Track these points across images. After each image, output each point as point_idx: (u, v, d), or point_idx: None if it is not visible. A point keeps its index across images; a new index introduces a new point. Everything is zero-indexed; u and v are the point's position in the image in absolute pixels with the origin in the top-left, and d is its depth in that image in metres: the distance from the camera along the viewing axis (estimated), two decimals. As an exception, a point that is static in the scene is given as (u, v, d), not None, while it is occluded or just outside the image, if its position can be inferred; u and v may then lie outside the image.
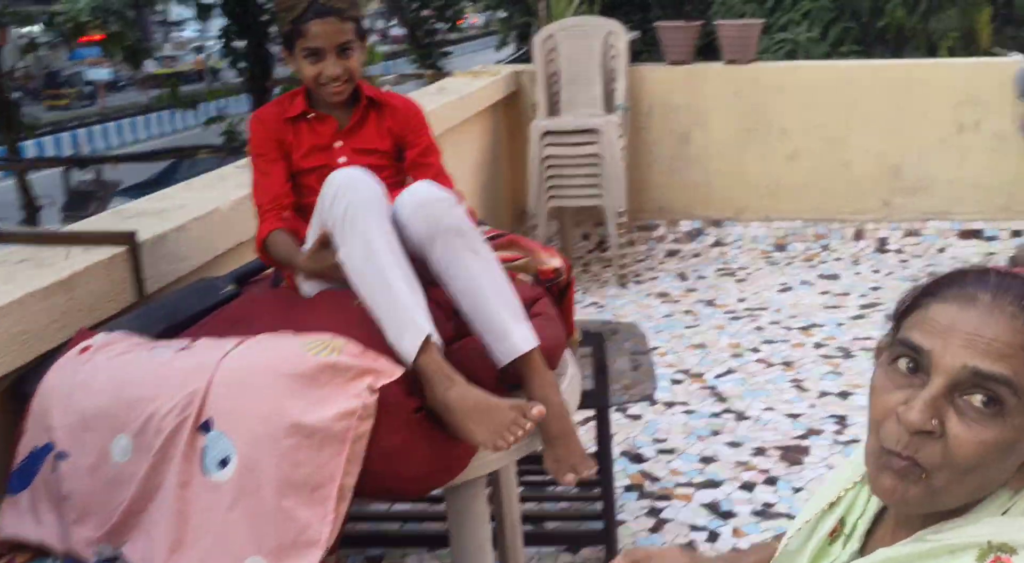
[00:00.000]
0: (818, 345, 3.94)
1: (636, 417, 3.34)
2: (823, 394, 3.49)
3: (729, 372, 3.72)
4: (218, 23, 12.03)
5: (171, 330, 1.91)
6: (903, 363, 0.94)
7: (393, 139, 2.12)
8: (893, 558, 0.96)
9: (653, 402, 3.43)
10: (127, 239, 2.07)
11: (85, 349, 1.65)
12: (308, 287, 1.97)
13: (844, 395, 3.47)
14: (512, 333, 1.77)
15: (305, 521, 1.45)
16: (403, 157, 2.14)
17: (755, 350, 3.91)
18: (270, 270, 2.18)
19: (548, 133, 4.68)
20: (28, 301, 1.79)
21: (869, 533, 1.06)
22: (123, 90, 30.53)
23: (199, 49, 31.28)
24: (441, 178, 2.10)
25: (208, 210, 2.36)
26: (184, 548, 1.44)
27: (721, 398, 3.50)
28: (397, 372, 1.58)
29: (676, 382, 3.63)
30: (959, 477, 0.91)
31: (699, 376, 3.69)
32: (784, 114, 5.14)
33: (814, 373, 3.67)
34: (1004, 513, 0.95)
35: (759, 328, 4.14)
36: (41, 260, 1.99)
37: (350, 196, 1.76)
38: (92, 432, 1.52)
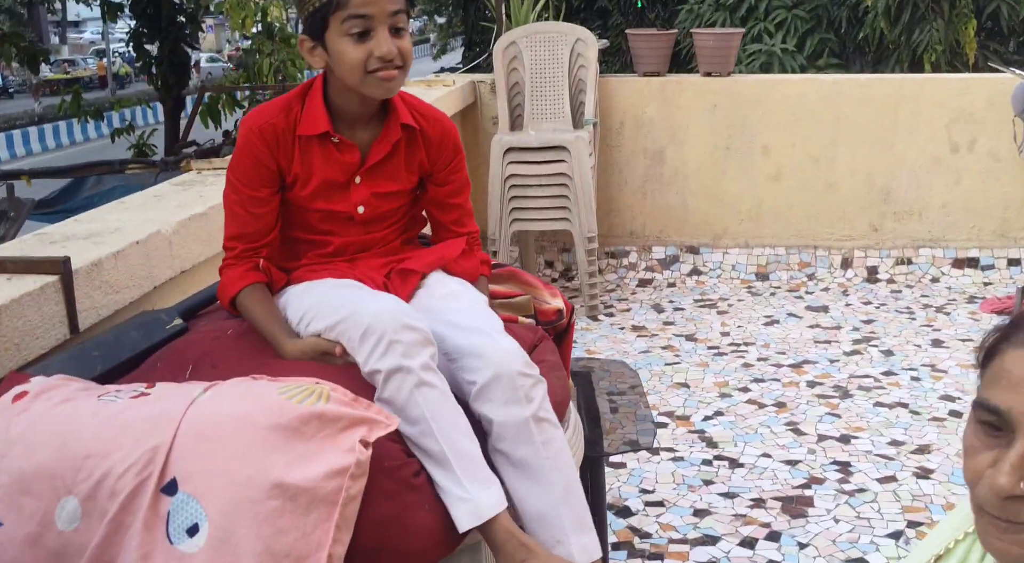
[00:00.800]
0: (812, 384, 3.94)
1: (619, 465, 3.29)
2: (822, 438, 3.48)
3: (718, 414, 3.69)
4: (125, 25, 11.83)
5: (112, 373, 1.81)
6: (986, 424, 0.95)
7: (421, 173, 1.94)
8: None
9: (637, 447, 3.39)
10: (58, 267, 1.96)
11: (19, 396, 1.54)
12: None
13: (845, 439, 3.47)
14: (569, 545, 1.71)
15: (289, 598, 1.36)
16: (424, 186, 1.98)
17: (744, 389, 3.90)
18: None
19: (511, 149, 4.65)
20: (-53, 341, 1.68)
21: None
22: (13, 97, 29.94)
23: (101, 53, 30.84)
24: (468, 219, 2.03)
25: (148, 233, 2.26)
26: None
27: (711, 443, 3.46)
28: (394, 423, 1.50)
29: (660, 425, 3.59)
30: None
31: (685, 419, 3.66)
32: (765, 131, 5.18)
33: (810, 415, 3.66)
34: None
35: (746, 365, 4.14)
36: (-42, 292, 1.88)
37: (402, 361, 1.62)
38: (32, 496, 1.41)
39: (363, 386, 1.63)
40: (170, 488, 1.40)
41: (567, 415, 1.91)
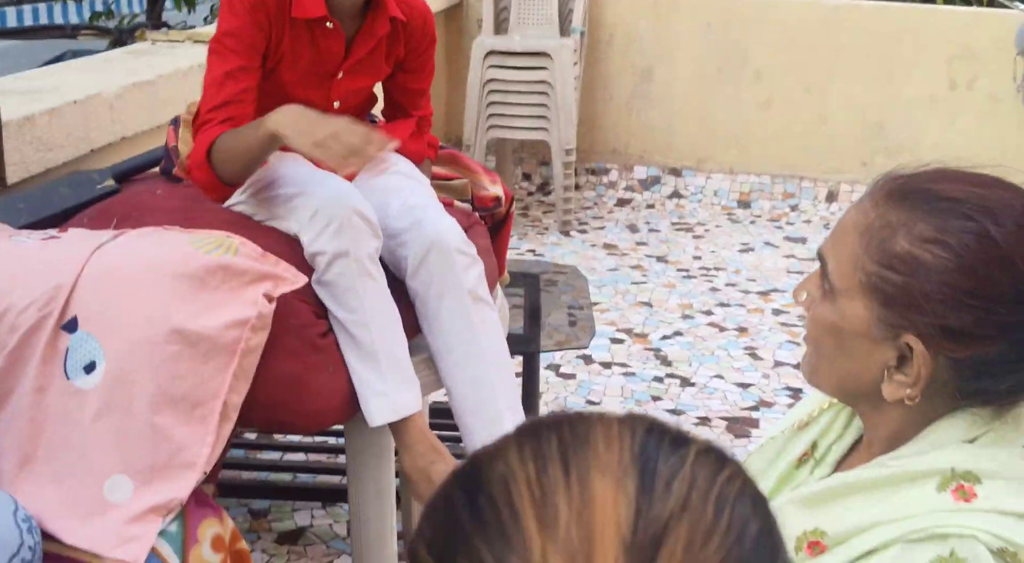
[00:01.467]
0: (777, 312, 4.01)
1: (569, 376, 3.37)
2: (778, 364, 3.56)
3: (677, 334, 3.77)
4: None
5: (37, 226, 1.86)
6: None
7: (395, 64, 1.99)
8: (851, 483, 1.00)
9: (589, 361, 3.47)
10: (-11, 116, 2.00)
11: (-69, 233, 1.60)
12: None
13: (801, 367, 3.54)
14: (504, 423, 1.76)
15: (181, 441, 1.43)
16: (392, 74, 2.02)
17: (708, 312, 3.97)
18: (157, 168, 2.13)
19: (492, 53, 4.66)
20: None
21: (844, 461, 1.10)
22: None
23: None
24: (425, 101, 2.10)
25: (87, 95, 2.30)
26: (36, 463, 1.41)
27: (665, 361, 3.54)
28: (301, 280, 1.56)
29: (616, 341, 3.67)
30: (814, 349, 1.07)
31: (643, 336, 3.73)
32: (759, 55, 5.17)
33: (771, 341, 3.74)
34: (973, 441, 0.98)
35: (714, 289, 4.20)
36: None
37: (350, 247, 1.67)
38: (-67, 326, 1.47)
39: (282, 249, 1.69)
40: (70, 326, 1.46)
41: (494, 299, 1.97)
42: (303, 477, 2.73)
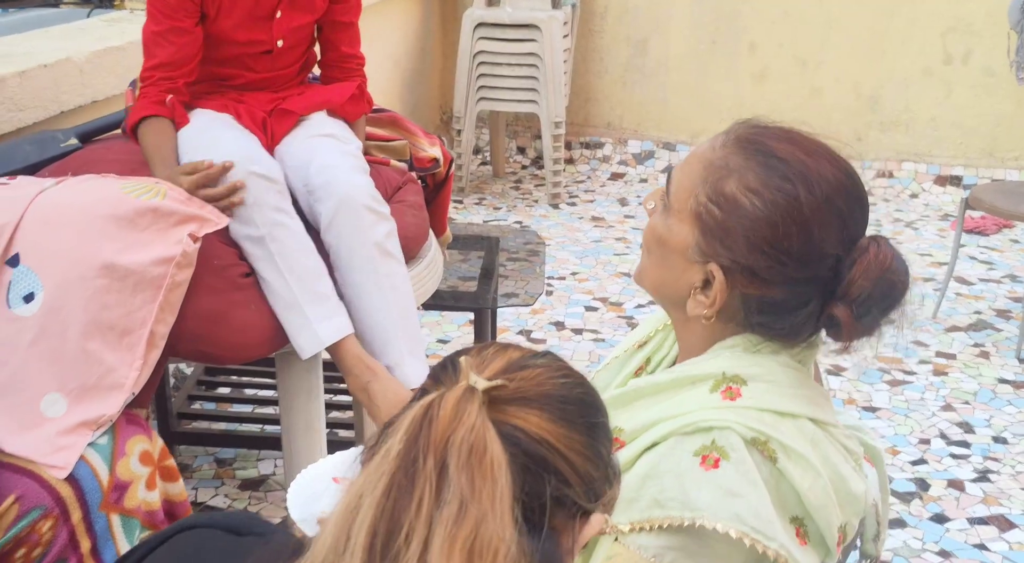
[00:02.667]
0: (755, 282, 4.16)
1: (540, 341, 3.56)
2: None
3: (652, 304, 3.94)
4: None
5: (1, 179, 2.06)
6: None
7: None
8: (642, 387, 1.20)
9: (561, 327, 3.65)
10: (-42, 77, 2.21)
11: None
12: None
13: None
14: (404, 367, 1.97)
15: (111, 364, 1.64)
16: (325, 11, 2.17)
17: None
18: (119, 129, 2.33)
19: (481, 25, 4.83)
20: None
21: None
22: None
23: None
24: (355, 43, 2.24)
25: (57, 59, 2.50)
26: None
27: (636, 328, 3.71)
28: (224, 221, 1.76)
29: (590, 309, 3.85)
30: (645, 253, 1.23)
31: (618, 305, 3.91)
32: (754, 26, 5.31)
33: (743, 310, 3.90)
34: (745, 352, 1.18)
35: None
36: None
37: (254, 201, 1.87)
38: None
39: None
40: (13, 261, 1.66)
41: (422, 252, 2.17)
42: (271, 428, 2.94)
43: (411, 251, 2.08)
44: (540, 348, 0.90)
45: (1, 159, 2.16)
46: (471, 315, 2.95)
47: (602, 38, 5.43)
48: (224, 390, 3.12)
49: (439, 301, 2.60)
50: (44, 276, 1.64)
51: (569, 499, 0.82)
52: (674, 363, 1.31)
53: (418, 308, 2.40)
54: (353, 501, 0.76)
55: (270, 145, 2.08)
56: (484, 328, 2.69)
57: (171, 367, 3.05)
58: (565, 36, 4.91)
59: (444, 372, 0.86)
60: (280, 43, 2.11)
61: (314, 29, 2.22)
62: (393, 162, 2.24)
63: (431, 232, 2.26)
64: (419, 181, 2.28)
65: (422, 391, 0.84)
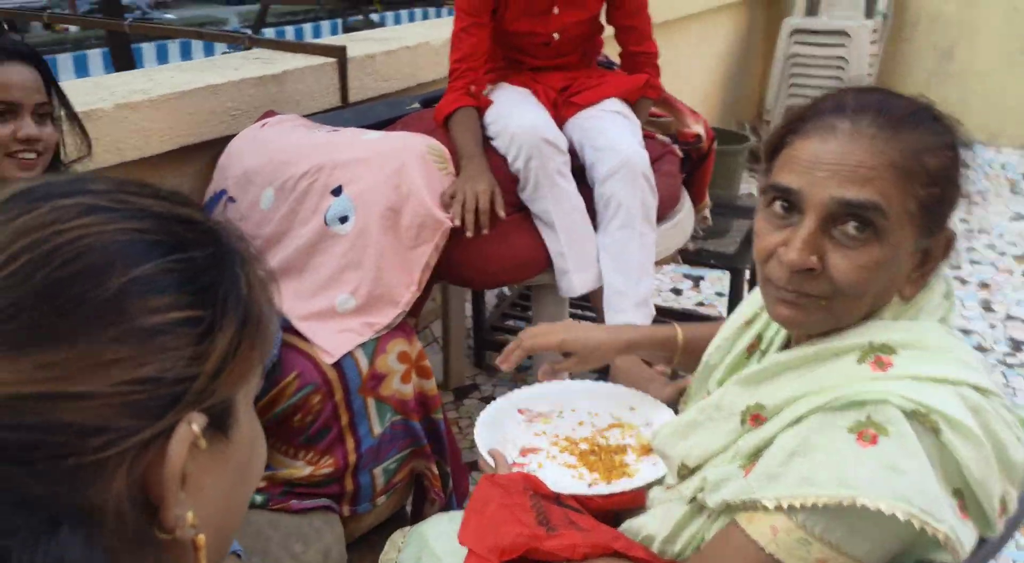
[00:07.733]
0: (1028, 274, 3.54)
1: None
2: (1010, 318, 3.17)
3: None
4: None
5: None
6: (778, 206, 0.92)
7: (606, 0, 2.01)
8: (783, 362, 0.96)
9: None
10: (338, 52, 2.28)
11: (265, 124, 1.89)
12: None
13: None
14: (629, 316, 1.79)
15: (392, 283, 1.61)
16: (607, 12, 2.04)
17: (955, 267, 3.57)
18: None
19: (797, 31, 4.44)
20: (243, 85, 2.06)
21: (785, 348, 1.04)
22: None
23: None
24: (644, 40, 2.05)
25: (418, 42, 2.53)
26: (300, 278, 1.65)
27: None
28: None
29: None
30: (854, 300, 0.91)
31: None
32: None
33: (1010, 298, 3.34)
34: (896, 320, 0.92)
35: (970, 248, 3.79)
36: (269, 58, 2.26)
37: (538, 165, 1.76)
38: (252, 184, 1.76)
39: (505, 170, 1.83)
40: (337, 191, 1.68)
41: (671, 214, 1.98)
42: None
43: (662, 212, 1.90)
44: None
45: (362, 115, 2.22)
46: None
47: (911, 45, 4.82)
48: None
49: (701, 259, 2.41)
50: (358, 204, 1.64)
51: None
52: (788, 339, 1.04)
53: (676, 262, 2.22)
54: None
55: (559, 122, 1.96)
56: (738, 286, 2.45)
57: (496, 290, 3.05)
58: (873, 42, 4.40)
59: None
60: (556, 36, 1.99)
61: (593, 24, 2.05)
62: (659, 136, 2.06)
63: (687, 198, 2.06)
64: (681, 153, 2.08)
65: None
